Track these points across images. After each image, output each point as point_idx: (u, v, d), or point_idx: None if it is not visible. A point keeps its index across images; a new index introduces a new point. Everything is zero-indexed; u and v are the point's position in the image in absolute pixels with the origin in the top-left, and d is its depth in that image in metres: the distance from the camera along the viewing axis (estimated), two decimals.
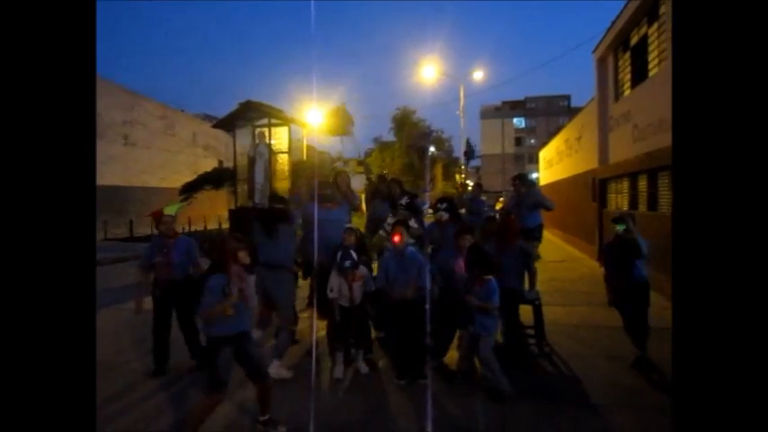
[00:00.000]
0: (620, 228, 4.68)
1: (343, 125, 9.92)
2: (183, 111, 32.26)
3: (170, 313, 4.64)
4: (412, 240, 4.83)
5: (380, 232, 5.56)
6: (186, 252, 4.68)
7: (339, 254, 4.42)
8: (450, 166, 47.72)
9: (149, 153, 26.74)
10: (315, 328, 4.98)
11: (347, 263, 4.36)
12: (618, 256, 4.66)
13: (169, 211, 4.70)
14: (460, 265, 4.42)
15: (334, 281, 4.46)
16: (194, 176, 19.09)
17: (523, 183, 6.32)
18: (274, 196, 5.36)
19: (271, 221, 4.60)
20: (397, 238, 4.47)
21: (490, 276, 4.09)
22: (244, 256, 3.35)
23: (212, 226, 19.75)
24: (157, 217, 4.63)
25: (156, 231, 4.84)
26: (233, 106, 11.58)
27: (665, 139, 8.04)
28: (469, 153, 8.66)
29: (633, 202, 10.22)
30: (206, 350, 3.36)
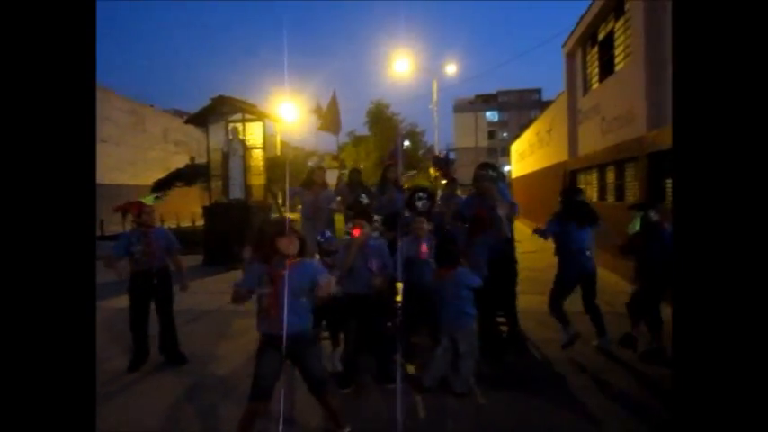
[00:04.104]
0: (638, 215, 4.69)
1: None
2: (152, 106, 31.56)
3: (149, 305, 4.65)
4: (376, 234, 4.57)
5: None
6: (166, 240, 4.72)
7: (319, 234, 4.49)
8: (424, 159, 47.86)
9: (119, 150, 26.11)
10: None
11: (327, 234, 4.45)
12: (641, 242, 4.67)
13: (147, 201, 4.70)
14: (423, 250, 4.44)
15: None
16: (166, 173, 18.83)
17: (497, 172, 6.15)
18: None
19: (585, 218, 3.95)
20: (356, 232, 4.08)
21: (456, 267, 4.07)
22: (286, 246, 2.89)
23: (185, 223, 19.43)
24: (135, 209, 4.58)
25: (130, 225, 4.74)
26: (205, 102, 11.45)
27: (631, 132, 8.32)
28: (443, 163, 7.51)
29: (602, 193, 10.53)
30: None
